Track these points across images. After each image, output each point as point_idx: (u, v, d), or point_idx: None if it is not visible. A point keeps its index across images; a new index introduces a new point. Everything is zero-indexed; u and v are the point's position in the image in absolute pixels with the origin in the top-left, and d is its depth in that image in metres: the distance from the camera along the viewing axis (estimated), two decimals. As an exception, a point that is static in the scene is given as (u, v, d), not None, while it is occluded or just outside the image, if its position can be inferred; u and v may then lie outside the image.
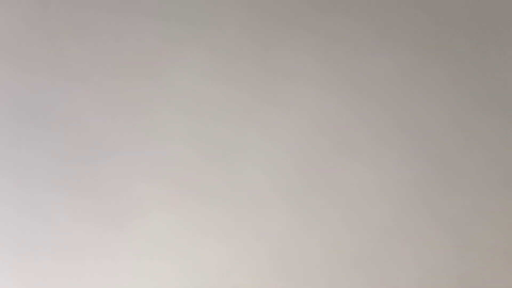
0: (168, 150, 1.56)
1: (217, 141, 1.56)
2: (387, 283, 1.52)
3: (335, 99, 1.55)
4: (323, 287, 1.53)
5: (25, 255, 1.56)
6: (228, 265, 1.54)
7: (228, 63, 1.57)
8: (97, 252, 1.55)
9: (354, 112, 1.55)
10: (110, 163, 1.57)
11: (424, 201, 1.52)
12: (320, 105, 1.55)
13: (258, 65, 1.57)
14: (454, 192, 1.52)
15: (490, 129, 1.53)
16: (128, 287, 1.55)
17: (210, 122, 1.57)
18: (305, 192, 1.54)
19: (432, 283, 1.51)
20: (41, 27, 1.59)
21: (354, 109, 1.55)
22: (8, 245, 1.56)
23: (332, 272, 1.53)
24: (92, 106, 1.58)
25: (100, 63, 1.58)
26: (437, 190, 1.52)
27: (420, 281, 1.52)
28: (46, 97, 1.58)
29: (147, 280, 1.55)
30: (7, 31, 1.60)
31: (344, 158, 1.54)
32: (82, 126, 1.58)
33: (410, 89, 1.54)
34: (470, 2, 1.55)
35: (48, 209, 1.56)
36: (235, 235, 1.55)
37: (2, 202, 1.57)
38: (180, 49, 1.58)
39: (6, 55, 1.59)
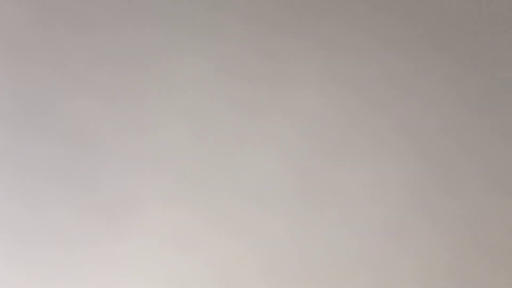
0: (167, 150, 1.57)
1: (217, 142, 1.56)
2: (386, 284, 1.52)
3: (334, 101, 1.55)
4: (325, 285, 1.53)
5: (23, 250, 1.57)
6: (227, 264, 1.55)
7: (228, 67, 1.57)
8: (96, 248, 1.56)
9: (353, 114, 1.55)
10: (109, 161, 1.57)
11: (423, 202, 1.52)
12: (319, 107, 1.55)
13: (258, 69, 1.57)
14: (453, 192, 1.52)
15: (488, 131, 1.52)
16: (126, 283, 1.55)
17: (210, 123, 1.57)
18: (304, 193, 1.54)
19: (432, 284, 1.51)
20: (41, 27, 1.60)
21: (353, 111, 1.55)
22: (6, 242, 1.57)
23: (331, 273, 1.53)
24: (91, 105, 1.58)
25: (99, 63, 1.59)
26: (436, 191, 1.52)
27: (419, 281, 1.52)
28: (45, 96, 1.59)
29: (145, 276, 1.55)
30: (7, 31, 1.60)
31: (343, 160, 1.54)
32: (81, 125, 1.58)
33: (408, 91, 1.54)
34: (470, 2, 1.54)
35: (47, 205, 1.57)
36: (235, 235, 1.55)
37: (1, 209, 1.58)
38: (181, 54, 1.58)
39: (6, 54, 1.60)
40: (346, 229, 1.53)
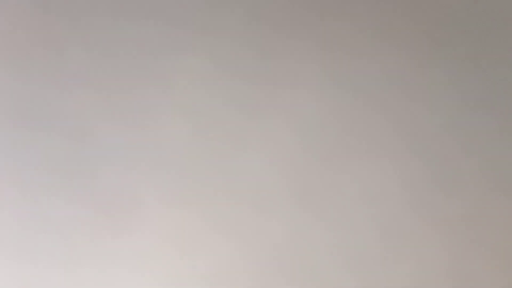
0: (167, 152, 1.57)
1: (216, 142, 1.56)
2: (386, 284, 1.52)
3: (334, 102, 1.55)
4: (323, 287, 1.53)
5: (23, 247, 1.56)
6: (228, 265, 1.54)
7: (227, 66, 1.57)
8: (94, 245, 1.56)
9: (352, 115, 1.55)
10: (110, 165, 1.57)
11: (423, 202, 1.52)
12: (318, 108, 1.55)
13: (257, 68, 1.57)
14: (453, 193, 1.52)
15: (489, 131, 1.53)
16: (125, 281, 1.55)
17: (210, 124, 1.57)
18: (304, 193, 1.54)
19: (431, 284, 1.51)
20: (42, 30, 1.60)
21: (352, 112, 1.55)
22: (6, 239, 1.56)
23: (332, 272, 1.53)
24: (92, 109, 1.58)
25: (100, 66, 1.58)
26: (436, 191, 1.52)
27: (419, 281, 1.52)
28: (46, 100, 1.58)
29: (144, 274, 1.55)
30: (8, 34, 1.60)
31: (344, 160, 1.54)
32: (82, 128, 1.58)
33: (408, 91, 1.54)
34: (470, 2, 1.55)
35: (47, 211, 1.57)
36: (235, 235, 1.55)
37: (0, 205, 1.57)
38: (180, 52, 1.58)
39: (7, 57, 1.60)
40: (344, 231, 1.53)
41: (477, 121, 1.53)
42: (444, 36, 1.54)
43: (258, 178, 1.55)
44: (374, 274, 1.52)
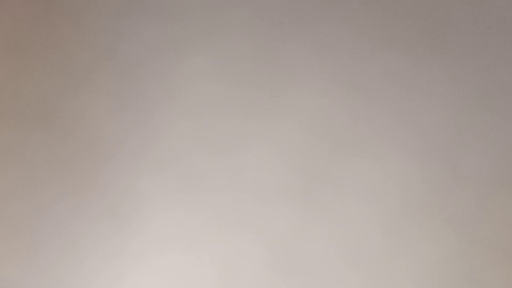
0: (170, 149, 1.57)
1: (219, 140, 1.56)
2: (388, 281, 1.52)
3: (337, 98, 1.55)
4: (324, 285, 1.53)
5: (28, 247, 1.56)
6: (230, 261, 1.55)
7: (230, 64, 1.57)
8: (101, 249, 1.56)
9: (355, 111, 1.55)
10: (114, 162, 1.57)
11: (426, 199, 1.53)
12: (322, 104, 1.56)
13: (260, 66, 1.57)
14: (456, 190, 1.52)
15: (491, 127, 1.53)
16: (131, 283, 1.55)
17: (213, 122, 1.57)
18: (306, 190, 1.55)
19: (433, 281, 1.52)
20: (45, 28, 1.60)
21: (355, 108, 1.55)
22: (12, 239, 1.56)
23: (333, 270, 1.53)
24: (95, 106, 1.58)
25: (103, 64, 1.59)
26: (439, 188, 1.52)
27: (421, 279, 1.52)
28: (49, 97, 1.59)
29: (149, 277, 1.55)
30: (10, 32, 1.60)
31: (345, 157, 1.54)
32: (86, 126, 1.58)
33: (411, 88, 1.55)
34: (470, 2, 1.55)
35: (52, 207, 1.57)
36: (238, 232, 1.55)
37: (6, 200, 1.57)
38: (183, 51, 1.58)
39: (10, 56, 1.60)
40: (350, 226, 1.54)
41: (479, 118, 1.53)
42: (444, 36, 1.55)
43: (261, 178, 1.56)
44: (376, 269, 1.53)
